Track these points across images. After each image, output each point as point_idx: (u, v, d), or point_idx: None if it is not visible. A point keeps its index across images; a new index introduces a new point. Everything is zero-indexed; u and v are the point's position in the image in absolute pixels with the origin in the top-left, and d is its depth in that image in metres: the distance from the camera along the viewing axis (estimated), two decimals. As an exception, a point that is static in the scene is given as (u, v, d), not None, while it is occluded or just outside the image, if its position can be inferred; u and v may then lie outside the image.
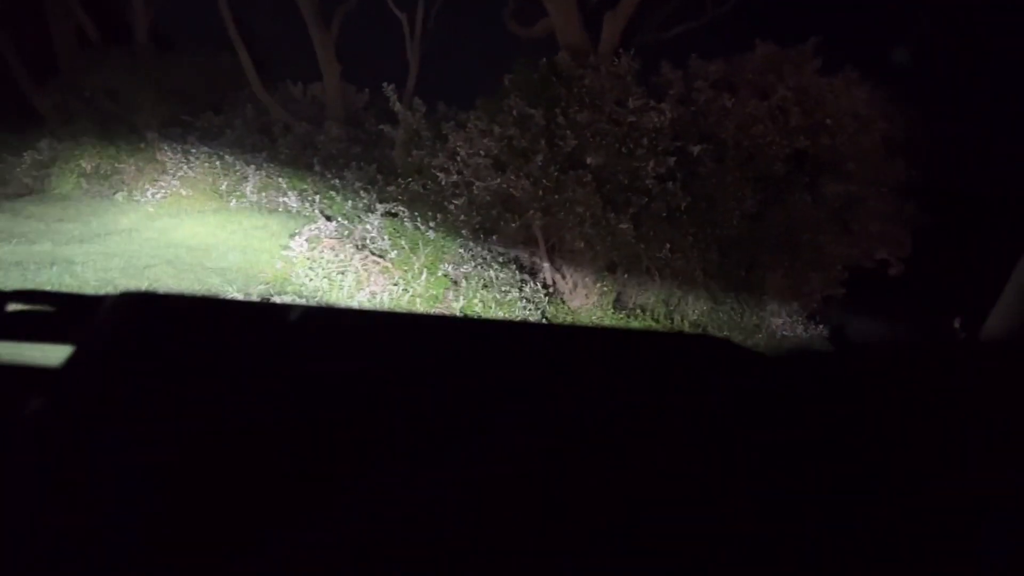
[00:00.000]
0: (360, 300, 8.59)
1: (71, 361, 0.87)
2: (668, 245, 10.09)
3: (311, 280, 9.03)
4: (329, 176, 13.14)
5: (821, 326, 10.91)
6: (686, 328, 10.00)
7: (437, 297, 8.89)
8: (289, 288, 9.43)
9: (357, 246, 9.73)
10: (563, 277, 10.42)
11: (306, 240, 9.71)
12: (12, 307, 1.04)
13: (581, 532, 0.76)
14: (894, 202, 10.79)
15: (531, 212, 9.32)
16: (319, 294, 8.71)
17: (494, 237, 9.72)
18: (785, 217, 10.58)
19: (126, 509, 0.72)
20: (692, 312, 10.55)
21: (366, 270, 9.12)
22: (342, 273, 9.05)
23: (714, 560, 0.76)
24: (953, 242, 12.41)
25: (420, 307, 8.62)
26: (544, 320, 9.17)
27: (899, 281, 11.54)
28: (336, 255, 9.61)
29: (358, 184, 12.24)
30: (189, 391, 0.85)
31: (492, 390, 0.94)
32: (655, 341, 1.39)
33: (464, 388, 0.93)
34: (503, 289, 9.03)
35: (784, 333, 10.77)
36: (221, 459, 0.78)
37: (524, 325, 1.95)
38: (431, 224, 9.40)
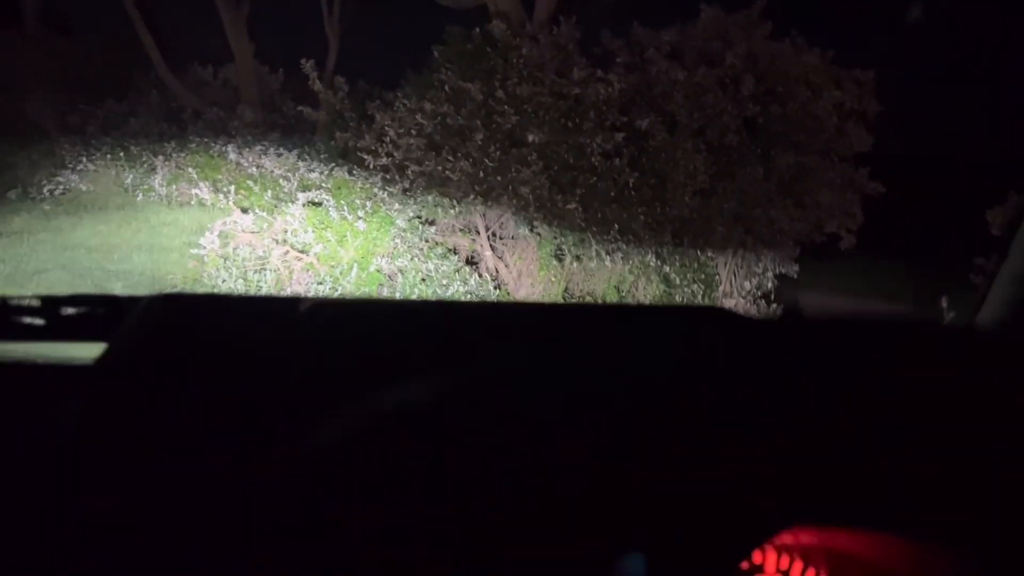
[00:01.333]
0: (281, 303, 7.37)
1: (105, 359, 0.89)
2: (617, 227, 9.11)
3: (225, 281, 7.74)
4: (245, 165, 11.72)
5: (774, 305, 10.10)
6: (639, 314, 9.06)
7: (370, 296, 7.71)
8: (200, 291, 8.10)
9: (277, 240, 8.45)
10: (507, 266, 9.35)
11: (218, 236, 8.38)
12: (51, 310, 1.06)
13: (589, 511, 0.78)
14: (846, 172, 10.04)
15: (471, 196, 8.20)
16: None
17: (431, 226, 8.57)
18: (737, 192, 9.71)
19: (157, 500, 0.73)
20: (645, 296, 9.61)
21: (287, 267, 7.87)
22: (260, 272, 7.77)
23: (711, 525, 0.79)
24: (906, 213, 11.80)
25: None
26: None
27: (849, 256, 10.86)
28: (253, 251, 8.32)
29: (277, 172, 10.90)
30: (215, 387, 0.85)
31: (495, 377, 0.93)
32: (652, 314, 1.35)
33: (471, 376, 0.92)
34: (443, 283, 7.91)
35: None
36: (250, 452, 0.78)
37: (515, 306, 1.88)
38: (360, 214, 8.19)
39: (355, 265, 7.76)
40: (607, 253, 9.03)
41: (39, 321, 1.05)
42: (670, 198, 9.29)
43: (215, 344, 0.91)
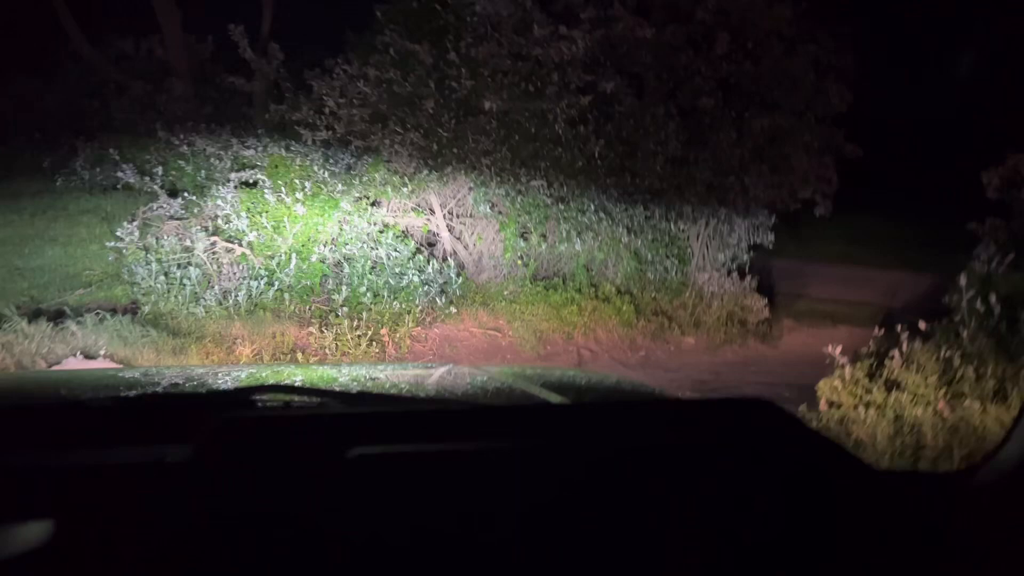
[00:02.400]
0: (207, 302, 6.24)
1: (189, 467, 0.90)
2: (587, 201, 8.16)
3: (144, 279, 6.59)
4: (176, 142, 10.41)
5: (748, 278, 9.27)
6: (610, 292, 8.15)
7: (312, 289, 6.65)
8: (118, 291, 6.95)
9: (207, 228, 7.30)
10: (466, 248, 8.35)
11: (138, 226, 7.21)
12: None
13: None
14: (823, 133, 9.20)
15: (424, 172, 7.16)
16: (151, 298, 6.30)
17: (380, 207, 7.49)
18: (711, 159, 8.82)
19: None
20: (617, 275, 8.70)
21: (215, 260, 6.75)
22: (185, 266, 6.64)
23: None
24: (887, 178, 11.09)
25: (289, 303, 6.36)
26: (451, 305, 7.12)
27: (826, 223, 10.10)
28: (180, 241, 7.17)
29: (210, 150, 9.66)
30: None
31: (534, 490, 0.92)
32: (695, 411, 1.24)
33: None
34: (396, 271, 6.88)
35: (711, 289, 9.10)
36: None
37: (544, 409, 1.41)
38: (299, 196, 7.09)
39: (294, 255, 6.68)
40: (577, 231, 8.08)
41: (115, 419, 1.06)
42: (640, 168, 8.36)
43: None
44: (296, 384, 1.48)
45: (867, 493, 1.04)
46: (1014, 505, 1.08)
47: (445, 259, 8.22)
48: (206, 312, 6.14)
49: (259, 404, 1.22)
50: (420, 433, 1.03)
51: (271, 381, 1.60)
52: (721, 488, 0.95)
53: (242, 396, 1.33)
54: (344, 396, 1.46)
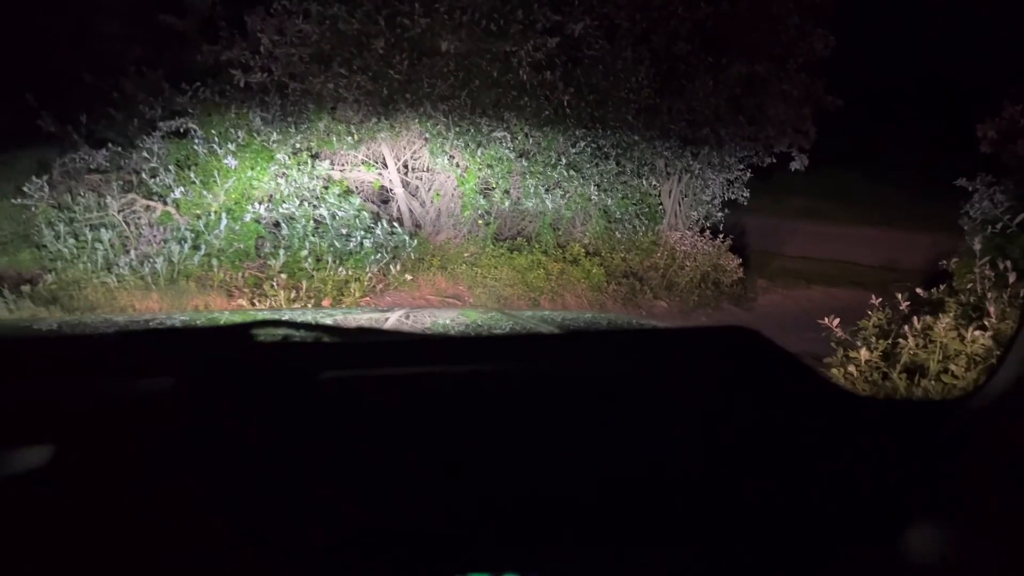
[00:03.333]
0: (120, 270, 5.33)
1: (176, 391, 0.92)
2: (554, 155, 7.36)
3: (54, 242, 5.65)
4: (104, 88, 9.26)
5: (721, 236, 8.60)
6: (579, 254, 7.41)
7: (246, 253, 5.77)
8: (25, 255, 5.99)
9: (131, 183, 6.36)
10: (422, 205, 7.51)
11: (49, 181, 6.24)
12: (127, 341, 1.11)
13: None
14: (802, 83, 8.48)
15: (373, 120, 6.27)
16: (56, 264, 5.37)
17: (324, 160, 6.58)
18: (686, 110, 8.06)
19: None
20: (585, 235, 7.96)
21: (135, 220, 5.82)
22: (98, 227, 5.71)
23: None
24: (866, 130, 10.43)
25: (217, 270, 5.47)
26: (401, 268, 6.32)
27: (801, 178, 9.45)
28: (99, 199, 6.22)
29: (140, 96, 8.59)
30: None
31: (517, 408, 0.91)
32: (676, 338, 1.23)
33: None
34: (342, 232, 6.03)
35: (684, 248, 8.42)
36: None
37: (533, 338, 1.45)
38: (231, 146, 6.17)
39: (224, 214, 5.79)
40: (542, 187, 7.29)
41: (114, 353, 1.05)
42: (611, 118, 7.56)
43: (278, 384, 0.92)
44: (271, 320, 1.37)
45: (852, 418, 1.02)
46: (1002, 430, 1.04)
47: (400, 218, 7.39)
48: (119, 281, 5.24)
49: (237, 339, 1.19)
50: (391, 359, 1.03)
51: (248, 320, 1.49)
52: (706, 410, 0.95)
53: (222, 332, 1.32)
54: (321, 329, 1.37)
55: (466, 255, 6.98)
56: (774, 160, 9.05)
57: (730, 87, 8.19)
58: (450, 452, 0.86)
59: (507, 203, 7.14)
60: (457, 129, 6.55)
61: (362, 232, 6.00)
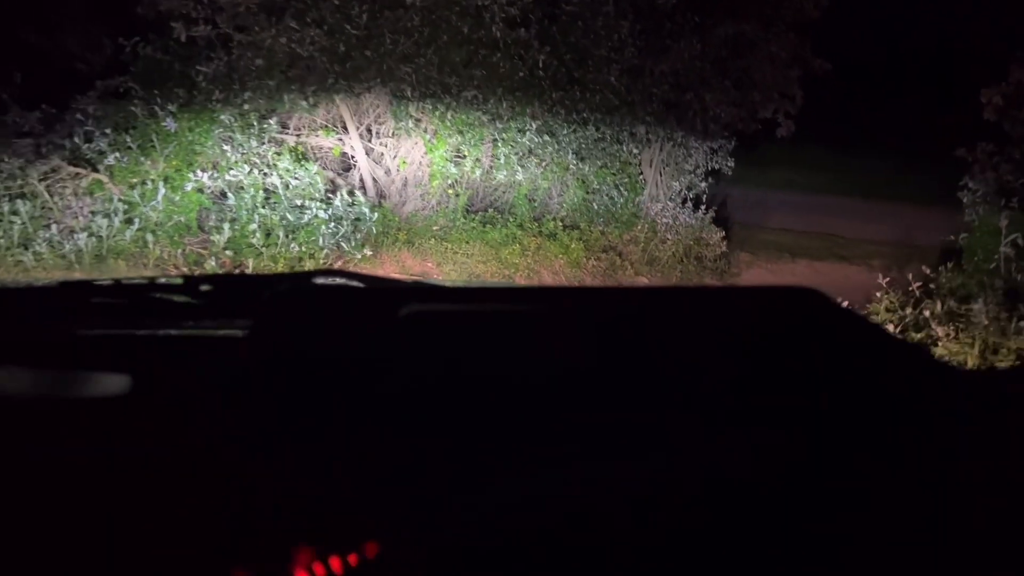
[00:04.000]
0: (38, 247, 4.64)
1: (248, 340, 0.90)
2: (530, 119, 6.74)
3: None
4: (40, 45, 8.40)
5: (703, 208, 8.08)
6: (556, 227, 6.84)
7: (187, 227, 5.10)
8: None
9: (56, 149, 5.63)
10: (387, 174, 6.86)
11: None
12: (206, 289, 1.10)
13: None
14: (791, 43, 7.94)
15: (330, 79, 5.59)
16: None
17: (275, 121, 5.88)
18: (670, 73, 7.48)
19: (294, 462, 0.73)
20: (562, 207, 7.39)
21: (59, 190, 5.11)
22: (15, 198, 4.99)
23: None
24: (855, 96, 9.92)
25: (153, 246, 4.81)
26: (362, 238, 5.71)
27: (785, 147, 8.95)
28: (24, 166, 5.47)
29: (76, 51, 7.78)
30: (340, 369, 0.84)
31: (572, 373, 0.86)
32: (733, 298, 1.12)
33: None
34: (296, 203, 5.38)
35: (665, 221, 7.89)
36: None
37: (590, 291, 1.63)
38: (171, 107, 5.46)
39: (162, 183, 5.10)
40: (516, 155, 6.68)
41: (188, 301, 1.05)
42: (591, 79, 6.95)
43: (339, 329, 0.89)
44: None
45: (933, 384, 0.93)
46: None
47: (364, 188, 6.75)
48: (36, 260, 4.55)
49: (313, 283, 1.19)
50: (467, 298, 1.06)
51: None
52: (769, 371, 0.87)
53: (297, 279, 1.36)
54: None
55: (435, 228, 6.37)
56: (759, 127, 8.54)
57: (716, 48, 7.63)
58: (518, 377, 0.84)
59: (478, 172, 6.52)
60: (423, 90, 5.90)
61: (318, 203, 5.35)
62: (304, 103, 5.59)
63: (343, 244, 5.18)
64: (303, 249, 5.01)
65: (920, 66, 9.73)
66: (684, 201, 8.24)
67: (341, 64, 5.54)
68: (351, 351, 0.85)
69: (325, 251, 5.08)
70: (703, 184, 8.53)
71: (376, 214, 5.67)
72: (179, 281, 1.11)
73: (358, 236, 5.37)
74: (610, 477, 0.73)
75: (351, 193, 5.65)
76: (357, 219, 5.49)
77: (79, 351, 0.92)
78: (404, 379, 0.83)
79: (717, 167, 8.64)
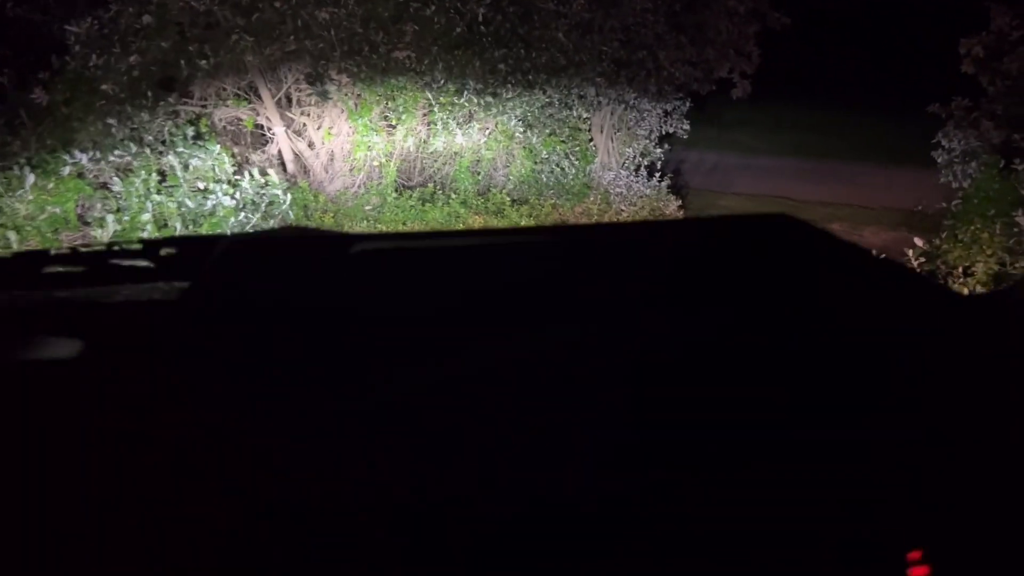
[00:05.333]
0: None
1: (187, 298, 0.88)
2: (471, 81, 5.93)
3: None
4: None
5: (657, 176, 7.44)
6: (503, 202, 6.12)
7: (64, 220, 4.18)
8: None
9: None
10: (311, 147, 6.00)
11: None
12: (147, 253, 1.04)
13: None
14: (748, -1, 7.32)
15: (234, 38, 4.69)
16: None
17: (170, 92, 4.93)
18: (621, 28, 6.76)
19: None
20: (508, 179, 6.64)
21: None
22: None
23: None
24: (815, 52, 9.32)
25: (19, 244, 3.89)
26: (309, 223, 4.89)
27: (743, 108, 8.35)
28: None
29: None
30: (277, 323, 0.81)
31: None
32: (713, 228, 1.07)
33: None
34: (199, 186, 4.50)
35: (618, 191, 7.24)
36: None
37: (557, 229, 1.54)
38: (42, 75, 4.49)
39: (28, 170, 4.16)
40: (456, 122, 5.89)
41: (136, 263, 1.01)
42: (538, 37, 6.17)
43: (277, 282, 0.87)
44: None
45: (921, 304, 0.89)
46: None
47: (284, 164, 5.88)
48: None
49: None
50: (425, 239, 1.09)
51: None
52: (751, 295, 0.82)
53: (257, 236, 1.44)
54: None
55: (367, 208, 5.56)
56: (714, 88, 7.92)
57: (669, 2, 6.94)
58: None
59: (411, 141, 5.71)
60: (346, 49, 5.04)
61: (225, 185, 4.48)
62: (205, 64, 4.66)
63: (250, 226, 4.33)
64: (212, 231, 4.16)
65: (886, 17, 9.22)
66: (638, 169, 7.60)
67: (246, 18, 4.64)
68: (299, 290, 0.85)
69: (233, 243, 4.25)
70: (658, 151, 7.88)
71: (290, 196, 4.80)
72: (138, 246, 1.03)
73: (271, 223, 4.52)
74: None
75: (263, 172, 4.77)
76: (271, 203, 4.64)
77: (27, 316, 0.89)
78: (353, 312, 0.81)
79: (672, 131, 7.99)
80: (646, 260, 0.87)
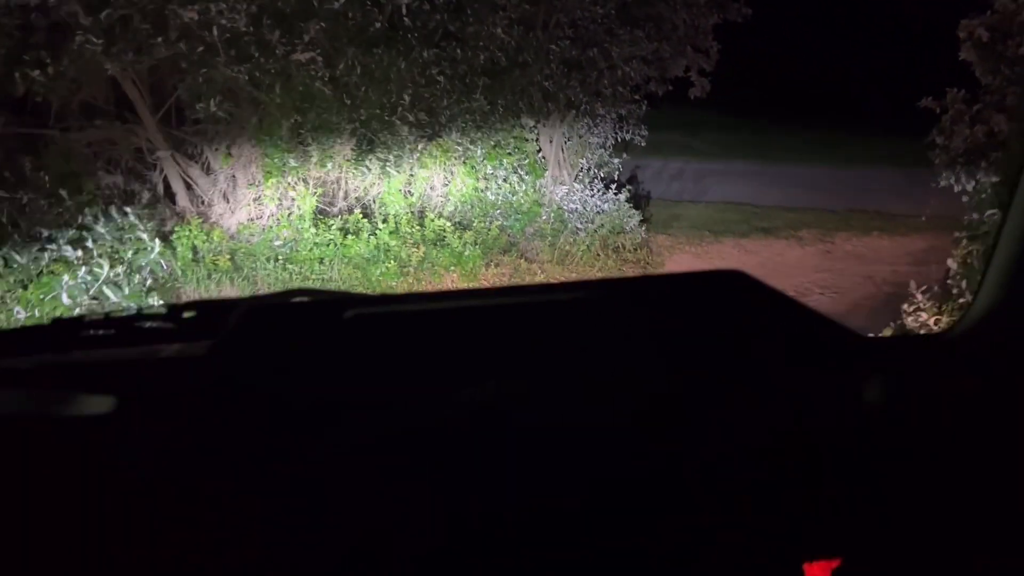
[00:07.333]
0: None
1: (209, 353, 0.92)
2: (392, 87, 4.87)
3: None
4: None
5: (614, 188, 6.53)
6: (443, 229, 5.09)
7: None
8: None
9: None
10: (207, 171, 4.88)
11: None
12: (173, 317, 1.06)
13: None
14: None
15: (78, 38, 3.56)
16: None
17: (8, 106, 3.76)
18: (568, 22, 5.83)
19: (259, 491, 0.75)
20: (448, 200, 5.62)
21: None
22: None
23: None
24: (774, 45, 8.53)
25: None
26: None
27: (700, 110, 7.51)
28: None
29: None
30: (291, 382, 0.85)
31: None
32: (664, 285, 1.10)
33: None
34: (39, 233, 3.34)
35: (573, 206, 6.33)
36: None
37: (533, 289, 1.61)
38: None
39: None
40: (373, 135, 4.83)
41: (161, 326, 1.04)
42: (473, 34, 5.17)
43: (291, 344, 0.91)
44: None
45: (848, 355, 0.95)
46: (979, 358, 1.00)
47: (172, 195, 4.75)
48: None
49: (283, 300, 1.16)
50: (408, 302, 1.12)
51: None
52: (698, 350, 0.88)
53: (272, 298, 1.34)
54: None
55: (276, 244, 4.47)
56: (670, 88, 7.08)
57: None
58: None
59: (329, 163, 4.64)
60: (236, 53, 3.95)
61: (71, 231, 3.34)
62: (39, 77, 3.52)
63: (109, 292, 3.16)
64: (34, 314, 3.00)
65: (854, 10, 8.54)
66: (593, 181, 6.68)
67: (94, 13, 3.51)
68: (298, 354, 0.88)
69: (78, 310, 3.07)
70: (615, 160, 6.96)
71: (164, 242, 3.65)
72: (163, 310, 1.05)
73: (136, 280, 3.38)
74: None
75: (122, 212, 3.62)
76: (137, 251, 3.50)
77: (66, 376, 0.93)
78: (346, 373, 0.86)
79: (629, 137, 7.09)
80: (591, 323, 0.89)
